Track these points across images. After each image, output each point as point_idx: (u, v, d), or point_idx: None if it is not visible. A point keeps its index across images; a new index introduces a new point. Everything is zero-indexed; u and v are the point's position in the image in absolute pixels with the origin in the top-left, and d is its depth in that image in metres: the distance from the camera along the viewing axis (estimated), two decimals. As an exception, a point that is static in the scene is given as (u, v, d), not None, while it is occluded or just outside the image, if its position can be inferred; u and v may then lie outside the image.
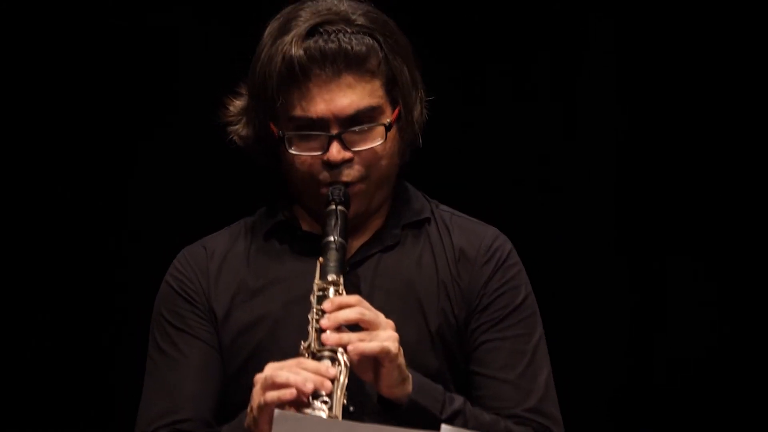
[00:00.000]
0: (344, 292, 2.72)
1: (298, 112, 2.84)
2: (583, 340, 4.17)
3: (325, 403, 2.54)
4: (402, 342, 2.70)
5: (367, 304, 2.69)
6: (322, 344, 2.62)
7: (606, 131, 4.29)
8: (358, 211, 2.89)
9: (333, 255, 2.75)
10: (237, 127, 2.97)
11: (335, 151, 2.83)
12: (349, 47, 2.82)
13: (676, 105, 4.26)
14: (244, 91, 2.97)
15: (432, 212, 3.00)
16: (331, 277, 2.72)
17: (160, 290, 3.00)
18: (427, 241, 2.96)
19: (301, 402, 2.54)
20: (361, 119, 2.85)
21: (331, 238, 2.78)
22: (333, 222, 2.80)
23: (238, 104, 2.98)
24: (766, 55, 4.20)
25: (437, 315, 2.90)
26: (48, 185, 4.25)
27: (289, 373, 2.57)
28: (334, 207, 2.82)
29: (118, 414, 4.25)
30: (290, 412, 2.50)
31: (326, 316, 2.64)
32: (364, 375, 2.67)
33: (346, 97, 2.82)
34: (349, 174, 2.86)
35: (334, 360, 2.60)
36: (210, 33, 4.26)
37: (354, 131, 2.84)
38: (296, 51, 2.81)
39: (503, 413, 2.86)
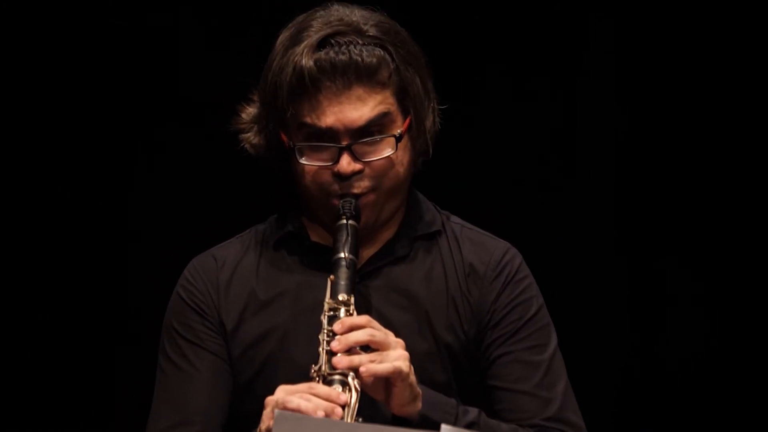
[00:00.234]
0: (355, 312, 2.70)
1: (308, 123, 2.82)
2: (583, 340, 4.18)
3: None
4: (410, 355, 2.69)
5: (376, 324, 2.68)
6: (333, 367, 2.61)
7: (606, 131, 4.28)
8: (368, 221, 2.87)
9: (344, 273, 2.74)
10: (248, 135, 2.95)
11: (345, 163, 2.82)
12: (360, 59, 2.80)
13: (675, 105, 4.24)
14: (256, 98, 2.95)
15: (443, 224, 2.98)
16: (341, 297, 2.71)
17: (170, 301, 2.99)
18: (438, 255, 2.95)
19: None
20: (371, 130, 2.83)
21: (342, 255, 2.76)
22: (343, 238, 2.78)
23: (250, 111, 2.95)
24: (766, 55, 4.19)
25: (446, 329, 2.89)
26: (48, 186, 4.24)
27: (300, 400, 2.56)
28: (344, 221, 2.80)
29: (117, 414, 4.27)
30: (290, 413, 2.50)
31: (336, 338, 2.63)
32: (376, 395, 2.67)
33: (356, 109, 2.81)
34: (360, 185, 2.84)
35: (344, 384, 2.60)
36: (210, 33, 4.24)
37: (364, 142, 2.82)
38: (307, 62, 2.79)
39: (523, 424, 2.86)
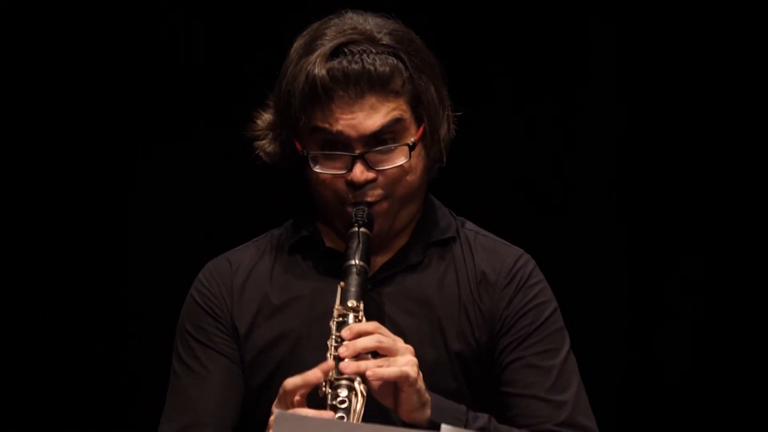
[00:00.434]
0: (364, 318, 2.72)
1: (321, 131, 2.83)
2: (583, 341, 4.17)
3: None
4: (420, 362, 2.70)
5: (385, 330, 2.70)
6: (340, 373, 2.62)
7: (607, 132, 4.26)
8: (382, 230, 2.88)
9: (354, 280, 2.75)
10: (263, 142, 2.96)
11: (358, 172, 2.83)
12: (373, 68, 2.81)
13: (676, 106, 4.22)
14: (271, 104, 2.97)
15: (457, 231, 2.99)
16: (351, 303, 2.72)
17: (184, 303, 3.01)
18: (451, 261, 2.95)
19: None
20: (384, 139, 2.84)
21: (353, 262, 2.78)
22: (355, 245, 2.80)
23: (266, 118, 2.97)
24: (767, 56, 4.17)
25: (457, 337, 2.90)
26: (48, 187, 4.26)
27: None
28: (356, 229, 2.82)
29: (117, 414, 4.29)
30: (290, 412, 2.52)
31: (344, 344, 2.64)
32: (384, 400, 2.68)
33: (369, 118, 2.81)
34: (373, 194, 2.85)
35: (351, 389, 2.61)
36: (210, 33, 4.25)
37: (378, 151, 2.83)
38: (319, 71, 2.80)
39: (536, 429, 2.86)
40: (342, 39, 2.83)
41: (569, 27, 4.23)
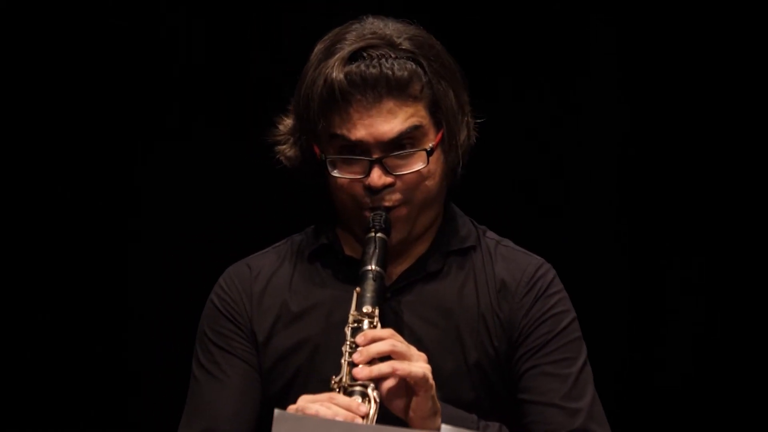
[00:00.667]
0: (379, 324, 2.71)
1: (339, 135, 2.83)
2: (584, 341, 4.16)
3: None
4: (437, 372, 2.69)
5: (399, 336, 2.69)
6: (353, 379, 2.62)
7: (607, 132, 4.24)
8: (400, 235, 2.87)
9: (370, 285, 2.75)
10: (284, 147, 2.96)
11: (376, 177, 2.82)
12: (391, 72, 2.80)
13: (677, 106, 4.20)
14: (292, 109, 2.96)
15: (478, 240, 2.98)
16: (366, 309, 2.71)
17: (204, 308, 3.01)
18: (471, 271, 2.94)
19: None
20: (402, 144, 2.83)
21: (369, 267, 2.77)
22: (371, 250, 2.79)
23: (287, 123, 2.97)
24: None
25: (475, 347, 2.88)
26: (49, 186, 4.27)
27: (320, 407, 2.58)
28: (373, 234, 2.81)
29: (117, 414, 4.30)
30: (290, 412, 2.52)
31: (358, 350, 2.64)
32: (395, 407, 2.66)
33: (387, 122, 2.81)
34: (391, 198, 2.84)
35: (364, 395, 2.60)
36: (210, 32, 4.26)
37: (395, 156, 2.82)
38: (337, 75, 2.80)
39: None
40: (361, 43, 2.83)
41: (570, 28, 4.21)
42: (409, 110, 2.82)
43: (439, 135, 2.87)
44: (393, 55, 2.82)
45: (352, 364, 2.63)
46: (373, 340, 2.65)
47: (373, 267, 2.77)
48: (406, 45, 2.84)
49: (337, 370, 2.67)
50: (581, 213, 4.26)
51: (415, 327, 2.86)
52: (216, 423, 2.90)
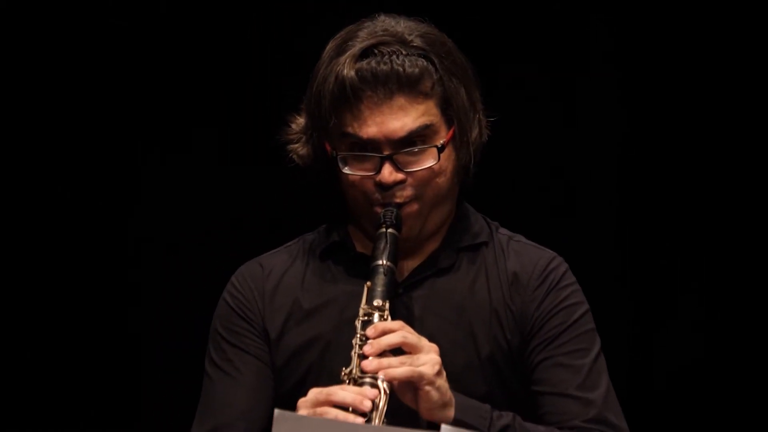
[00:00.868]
0: (389, 318, 2.72)
1: (350, 132, 2.84)
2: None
3: (366, 428, 2.56)
4: (450, 367, 2.70)
5: (410, 328, 2.70)
6: (363, 371, 2.63)
7: (607, 133, 4.25)
8: (411, 232, 2.88)
9: (380, 279, 2.76)
10: (297, 146, 2.98)
11: (387, 173, 2.83)
12: (402, 69, 2.81)
13: (677, 107, 4.20)
14: (304, 108, 2.98)
15: (491, 236, 2.98)
16: (376, 302, 2.72)
17: (217, 306, 3.02)
18: (483, 266, 2.95)
19: None
20: (413, 141, 2.84)
21: (380, 262, 2.78)
22: (382, 245, 2.80)
23: (300, 122, 2.98)
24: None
25: (488, 341, 2.89)
26: (49, 186, 4.29)
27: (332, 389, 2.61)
28: (384, 230, 2.82)
29: (117, 414, 4.30)
30: (290, 412, 2.51)
31: (369, 342, 2.65)
32: (404, 398, 2.68)
33: (398, 119, 2.82)
34: (402, 195, 2.85)
35: (374, 386, 2.61)
36: (210, 32, 4.27)
37: (406, 152, 2.84)
38: (348, 72, 2.81)
39: (564, 426, 2.85)
40: (373, 40, 2.85)
41: (570, 28, 4.22)
42: (420, 107, 2.84)
43: (450, 132, 2.88)
44: (404, 52, 2.83)
45: (363, 357, 2.64)
46: (384, 333, 2.66)
47: (384, 261, 2.78)
48: (417, 42, 2.86)
49: (349, 365, 2.68)
50: (581, 213, 4.26)
51: (427, 322, 2.87)
52: (229, 420, 2.91)
